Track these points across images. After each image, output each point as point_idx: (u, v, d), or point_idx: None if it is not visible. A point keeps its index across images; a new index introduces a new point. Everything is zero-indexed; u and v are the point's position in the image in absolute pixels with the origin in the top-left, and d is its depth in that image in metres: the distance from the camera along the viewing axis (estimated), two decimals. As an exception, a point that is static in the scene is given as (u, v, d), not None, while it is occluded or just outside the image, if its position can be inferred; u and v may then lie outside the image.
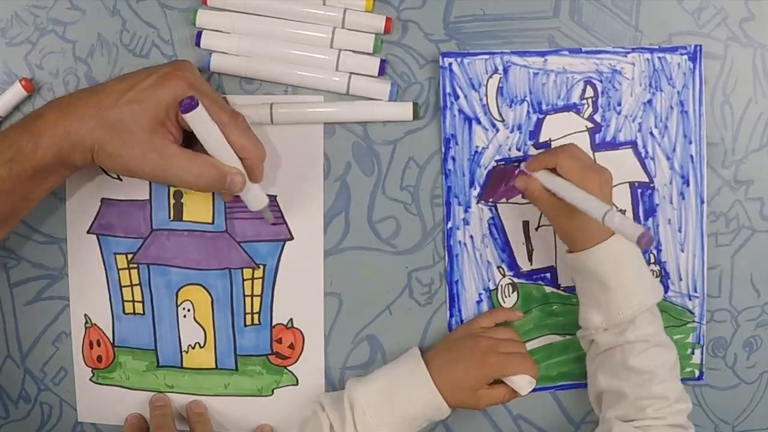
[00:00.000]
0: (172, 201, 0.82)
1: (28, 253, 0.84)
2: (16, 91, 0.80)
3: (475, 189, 0.82)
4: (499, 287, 0.83)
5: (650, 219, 0.82)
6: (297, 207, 0.82)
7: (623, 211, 0.82)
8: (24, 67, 0.82)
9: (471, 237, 0.82)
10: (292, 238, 0.82)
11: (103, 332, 0.84)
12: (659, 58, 0.81)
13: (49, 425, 0.86)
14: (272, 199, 0.81)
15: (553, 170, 0.73)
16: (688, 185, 0.82)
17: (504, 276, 0.83)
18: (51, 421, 0.86)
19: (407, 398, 0.76)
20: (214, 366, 0.84)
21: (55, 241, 0.83)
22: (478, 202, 0.82)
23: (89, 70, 0.82)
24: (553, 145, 0.81)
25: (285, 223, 0.82)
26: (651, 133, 0.82)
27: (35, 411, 0.86)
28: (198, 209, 0.82)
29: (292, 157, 0.82)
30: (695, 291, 0.83)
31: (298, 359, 0.83)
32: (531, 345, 0.83)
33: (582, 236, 0.73)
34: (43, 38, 0.82)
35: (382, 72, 0.80)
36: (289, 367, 0.84)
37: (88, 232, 0.83)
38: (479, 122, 0.81)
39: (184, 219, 0.82)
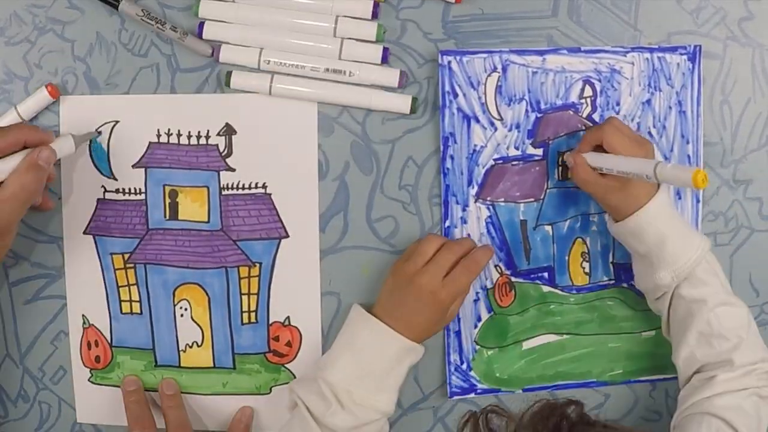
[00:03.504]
0: (168, 200, 0.82)
1: (26, 253, 0.84)
2: (42, 97, 0.80)
3: (473, 188, 0.82)
4: (496, 286, 0.83)
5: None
6: (292, 204, 0.82)
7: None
8: (23, 66, 0.82)
9: (468, 236, 0.82)
10: (287, 236, 0.82)
11: (101, 332, 0.84)
12: (658, 57, 0.81)
13: (48, 424, 0.86)
14: (268, 196, 0.82)
15: (598, 147, 0.75)
16: (685, 185, 0.82)
17: (501, 275, 0.83)
18: (50, 420, 0.86)
19: (379, 358, 0.75)
20: (211, 365, 0.84)
21: (54, 240, 0.83)
22: (476, 201, 0.82)
23: (88, 69, 0.82)
24: (552, 144, 0.81)
25: (280, 220, 0.82)
26: (649, 133, 0.82)
27: (34, 410, 0.86)
28: (193, 208, 0.82)
29: (287, 153, 0.82)
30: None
31: (295, 357, 0.83)
32: (528, 344, 0.83)
33: (631, 204, 0.74)
34: (42, 37, 0.82)
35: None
36: (286, 365, 0.84)
37: (84, 233, 0.83)
38: (478, 121, 0.81)
39: (179, 218, 0.82)
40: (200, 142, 0.82)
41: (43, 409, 0.86)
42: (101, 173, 0.82)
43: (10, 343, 0.85)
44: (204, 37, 0.80)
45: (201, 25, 0.80)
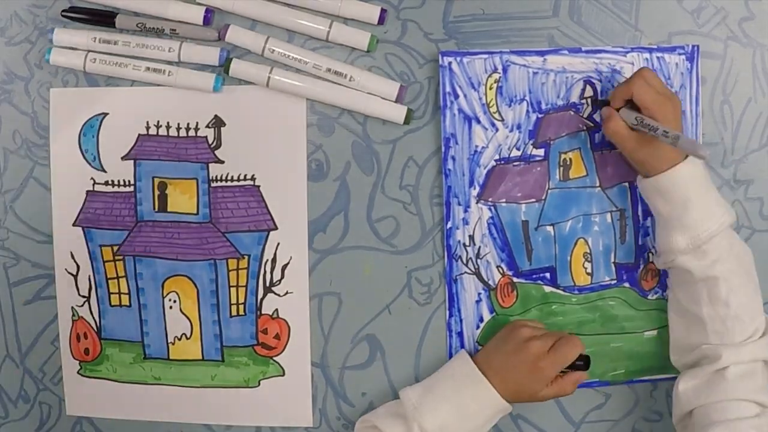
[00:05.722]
0: (157, 192, 0.83)
1: (27, 253, 0.84)
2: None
3: (474, 189, 0.82)
4: (498, 287, 0.83)
5: (649, 218, 0.82)
6: (280, 196, 0.82)
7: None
8: (24, 66, 0.82)
9: (470, 236, 0.82)
10: (275, 228, 0.82)
11: (90, 325, 0.84)
12: (657, 57, 0.81)
13: (48, 425, 0.86)
14: (257, 188, 0.82)
15: (629, 102, 0.76)
16: (687, 184, 0.82)
17: (503, 275, 0.83)
18: (50, 420, 0.86)
19: (477, 416, 0.76)
20: (200, 357, 0.84)
21: (53, 240, 0.83)
22: (477, 202, 0.82)
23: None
24: (553, 144, 0.81)
25: (268, 212, 0.82)
26: (650, 132, 0.82)
27: (34, 410, 0.86)
28: (182, 200, 0.83)
29: (275, 146, 0.82)
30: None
31: (284, 349, 0.84)
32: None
33: (658, 162, 0.74)
34: (43, 38, 0.82)
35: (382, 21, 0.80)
36: (275, 358, 0.84)
37: (73, 225, 0.83)
38: (479, 122, 0.81)
39: (168, 210, 0.83)
40: (189, 134, 0.82)
41: (44, 409, 0.86)
42: (91, 165, 0.83)
43: (11, 344, 0.85)
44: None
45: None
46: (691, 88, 0.81)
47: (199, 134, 0.82)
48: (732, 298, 0.73)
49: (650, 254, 0.83)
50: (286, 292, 0.83)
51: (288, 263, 0.83)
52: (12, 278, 0.85)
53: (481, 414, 0.76)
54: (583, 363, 0.78)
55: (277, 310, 0.83)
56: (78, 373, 0.85)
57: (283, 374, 0.84)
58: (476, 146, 0.81)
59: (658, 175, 0.74)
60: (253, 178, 0.82)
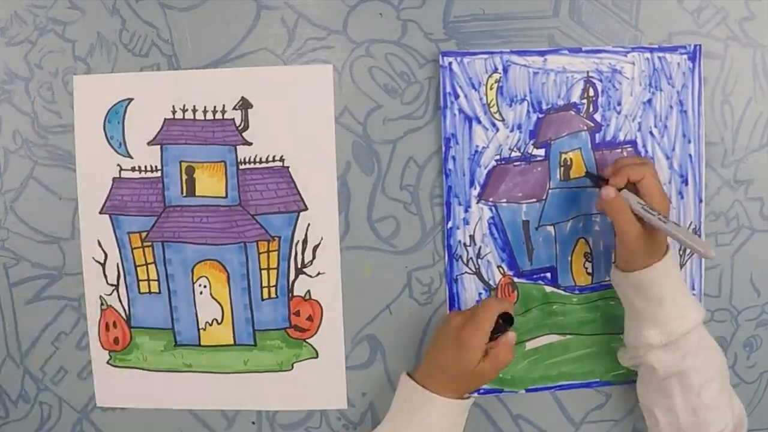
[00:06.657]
0: (185, 176, 0.82)
1: (27, 253, 0.84)
2: None
3: (475, 189, 0.82)
4: (499, 287, 0.83)
5: (650, 218, 0.82)
6: (310, 176, 0.82)
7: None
8: (24, 66, 0.82)
9: (471, 236, 0.82)
10: (306, 209, 0.82)
11: (119, 313, 0.84)
12: (659, 57, 0.81)
13: (48, 425, 0.86)
14: (286, 169, 0.81)
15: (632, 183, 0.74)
16: (686, 185, 0.82)
17: (504, 275, 0.83)
18: (50, 421, 0.86)
19: (443, 426, 0.74)
20: (232, 342, 0.83)
21: (55, 240, 0.83)
22: (478, 202, 0.82)
23: (89, 69, 0.82)
24: (554, 144, 0.81)
25: (298, 193, 0.81)
26: (651, 133, 0.82)
27: (35, 411, 0.86)
28: (210, 183, 0.82)
29: (303, 125, 0.81)
30: (693, 289, 0.83)
31: (317, 331, 0.83)
32: (531, 344, 0.83)
33: (645, 255, 0.73)
34: (43, 37, 0.82)
35: None
36: (308, 340, 0.83)
37: (100, 213, 0.82)
38: (479, 122, 0.81)
39: (197, 194, 0.82)
40: (216, 117, 0.82)
41: (44, 409, 0.86)
42: (116, 152, 0.82)
43: (11, 344, 0.85)
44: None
45: None
46: (693, 88, 0.81)
47: (225, 117, 0.81)
48: (704, 390, 0.73)
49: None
50: (318, 273, 0.82)
51: (319, 244, 0.82)
52: (12, 278, 0.84)
53: (446, 422, 0.74)
54: (503, 322, 0.74)
55: (309, 291, 0.83)
56: (108, 363, 0.84)
57: (317, 356, 0.83)
58: (477, 146, 0.81)
59: (637, 271, 0.73)
60: (281, 159, 0.82)
